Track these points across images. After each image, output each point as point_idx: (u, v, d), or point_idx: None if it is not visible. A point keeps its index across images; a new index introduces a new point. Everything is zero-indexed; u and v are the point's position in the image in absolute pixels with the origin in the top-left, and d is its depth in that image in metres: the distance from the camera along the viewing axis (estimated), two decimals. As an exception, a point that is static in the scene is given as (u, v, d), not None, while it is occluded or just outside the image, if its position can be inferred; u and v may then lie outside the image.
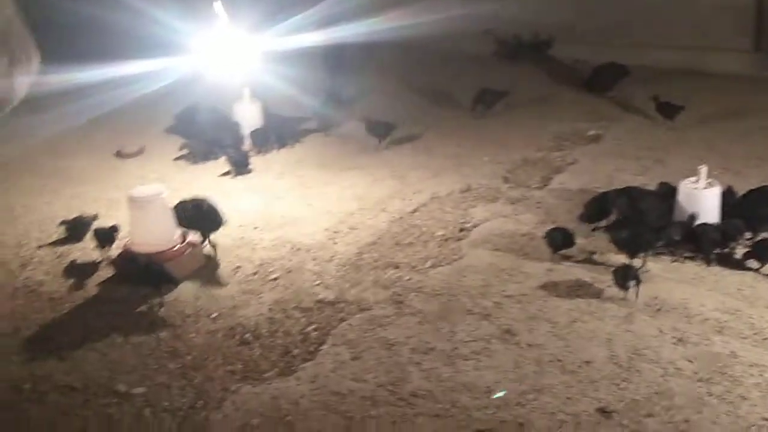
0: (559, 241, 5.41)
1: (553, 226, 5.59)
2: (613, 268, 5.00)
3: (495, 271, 5.33)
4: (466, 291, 5.12)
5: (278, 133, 7.72)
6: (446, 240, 5.79)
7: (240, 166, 7.13)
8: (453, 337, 4.66)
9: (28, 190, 6.84)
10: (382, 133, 7.51)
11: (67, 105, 8.29)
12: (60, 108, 8.24)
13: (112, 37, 9.31)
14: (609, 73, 8.52)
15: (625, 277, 4.88)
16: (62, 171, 7.21)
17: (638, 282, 4.87)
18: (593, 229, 5.69)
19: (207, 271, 5.51)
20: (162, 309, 5.03)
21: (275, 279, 5.39)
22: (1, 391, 4.30)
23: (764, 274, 5.12)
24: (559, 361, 4.40)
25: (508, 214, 6.12)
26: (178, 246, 5.47)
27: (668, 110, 7.48)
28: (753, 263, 5.19)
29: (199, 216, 5.63)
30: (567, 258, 5.39)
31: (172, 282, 5.22)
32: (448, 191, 6.56)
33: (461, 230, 5.91)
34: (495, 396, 4.16)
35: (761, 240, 5.29)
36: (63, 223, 5.94)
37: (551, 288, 5.08)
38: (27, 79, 7.91)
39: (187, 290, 5.26)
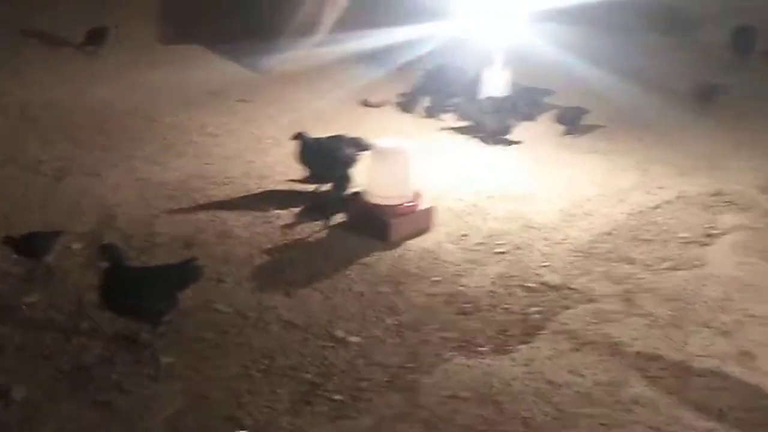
0: None
1: None
2: None
3: (739, 285, 4.91)
4: (705, 302, 4.75)
5: (522, 104, 7.54)
6: (688, 243, 5.41)
7: (498, 135, 6.96)
8: (684, 348, 4.33)
9: (279, 124, 7.10)
10: (571, 121, 7.09)
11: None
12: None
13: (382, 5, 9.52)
14: None
15: None
16: (314, 111, 7.43)
17: None
18: None
19: (435, 233, 5.47)
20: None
21: (502, 253, 5.27)
22: (229, 315, 4.48)
23: None
24: (803, 399, 3.99)
25: (762, 227, 5.63)
26: (411, 203, 5.46)
27: None
28: None
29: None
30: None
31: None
32: (696, 192, 6.14)
33: (707, 236, 5.50)
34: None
35: None
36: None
37: (802, 316, 4.62)
38: (333, 15, 8.38)
39: (412, 249, 5.26)
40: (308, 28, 8.59)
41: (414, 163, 5.56)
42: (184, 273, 4.30)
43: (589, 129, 7.29)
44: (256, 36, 8.60)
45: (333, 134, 6.06)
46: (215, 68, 8.47)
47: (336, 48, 8.50)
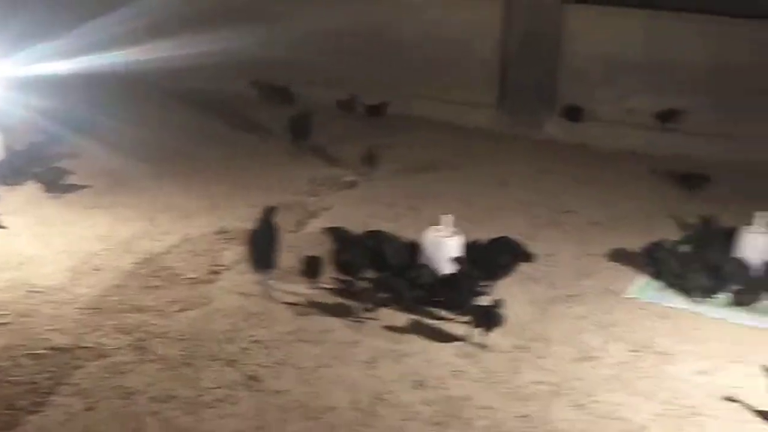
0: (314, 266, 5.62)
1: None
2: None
3: (244, 315, 5.25)
4: (213, 336, 5.00)
5: (24, 165, 7.25)
6: (196, 283, 5.64)
7: None
8: (197, 384, 4.52)
9: None
10: (52, 181, 6.95)
11: None
12: None
13: None
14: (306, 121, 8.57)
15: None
16: None
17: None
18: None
19: (-75, 315, 5.01)
20: None
21: (5, 324, 5.00)
22: None
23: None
24: (303, 407, 4.39)
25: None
26: None
27: (370, 159, 7.74)
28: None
29: None
30: (316, 303, 5.43)
31: None
32: (201, 233, 6.41)
33: (212, 273, 5.79)
34: None
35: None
36: None
37: (299, 333, 5.08)
38: None
39: None
40: None
41: None
42: None
43: (76, 188, 7.15)
44: None
45: None
46: None
47: None
